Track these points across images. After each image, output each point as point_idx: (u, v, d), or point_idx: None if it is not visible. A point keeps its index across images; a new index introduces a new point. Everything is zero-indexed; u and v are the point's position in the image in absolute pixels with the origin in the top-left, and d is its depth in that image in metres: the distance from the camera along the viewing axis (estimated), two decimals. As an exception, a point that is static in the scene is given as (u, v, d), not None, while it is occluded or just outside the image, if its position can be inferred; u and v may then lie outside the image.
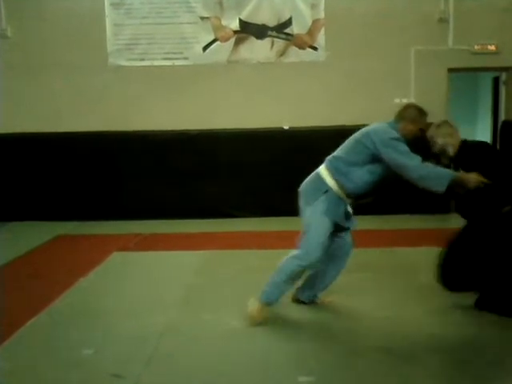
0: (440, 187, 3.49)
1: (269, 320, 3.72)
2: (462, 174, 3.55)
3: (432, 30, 7.39)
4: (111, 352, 3.33)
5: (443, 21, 7.37)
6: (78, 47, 7.56)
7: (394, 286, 4.45)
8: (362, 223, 6.84)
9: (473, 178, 3.48)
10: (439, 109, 7.43)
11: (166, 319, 3.82)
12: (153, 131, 7.58)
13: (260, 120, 7.53)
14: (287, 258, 3.74)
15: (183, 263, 5.34)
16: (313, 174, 3.91)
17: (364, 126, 7.34)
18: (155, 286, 4.61)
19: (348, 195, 3.73)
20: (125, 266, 5.30)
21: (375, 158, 3.64)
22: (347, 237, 3.92)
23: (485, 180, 3.46)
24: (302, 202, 3.86)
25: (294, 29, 7.46)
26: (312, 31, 7.46)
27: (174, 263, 5.36)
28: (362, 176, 3.68)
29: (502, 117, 7.93)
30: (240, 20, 7.45)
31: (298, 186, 8.14)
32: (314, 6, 7.41)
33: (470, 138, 10.66)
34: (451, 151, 3.79)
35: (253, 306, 3.71)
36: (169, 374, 3.06)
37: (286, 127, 7.62)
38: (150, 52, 7.57)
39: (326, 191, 3.69)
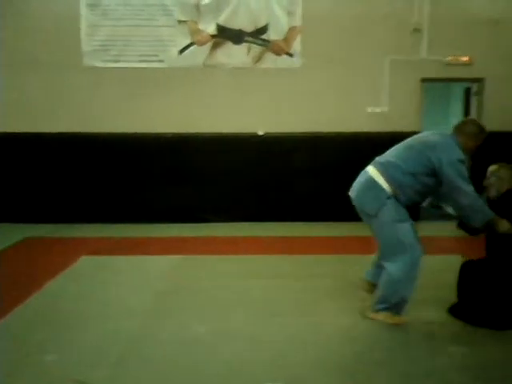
0: (478, 222, 3.63)
1: (235, 327, 3.73)
2: (497, 217, 3.64)
3: (406, 40, 7.49)
4: (75, 358, 3.29)
5: (417, 31, 7.47)
6: (53, 46, 7.46)
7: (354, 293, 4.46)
8: (331, 230, 7.01)
9: (506, 224, 3.62)
10: (412, 118, 7.57)
11: (133, 325, 3.79)
12: (127, 134, 7.52)
13: (235, 125, 7.54)
14: (391, 276, 3.72)
15: (153, 268, 5.31)
16: (364, 179, 3.83)
17: (339, 133, 7.54)
18: (123, 291, 4.57)
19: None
20: (93, 271, 5.23)
21: (433, 173, 3.65)
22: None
23: None
24: (363, 214, 3.84)
25: (271, 35, 7.49)
26: (288, 38, 7.50)
27: (143, 268, 5.32)
28: (415, 187, 3.69)
29: (473, 127, 8.03)
30: (217, 25, 7.45)
31: (272, 190, 8.23)
32: (290, 14, 7.46)
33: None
34: (492, 193, 3.92)
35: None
36: (134, 381, 3.04)
37: (261, 133, 7.64)
38: (126, 54, 7.51)
39: (389, 197, 3.67)
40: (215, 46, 7.52)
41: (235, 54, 7.52)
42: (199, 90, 7.62)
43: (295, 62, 7.56)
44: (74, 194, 7.58)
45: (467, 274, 3.90)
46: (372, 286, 4.06)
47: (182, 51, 7.51)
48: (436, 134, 3.84)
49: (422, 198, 3.85)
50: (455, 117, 9.92)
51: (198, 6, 7.40)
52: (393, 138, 7.40)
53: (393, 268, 3.71)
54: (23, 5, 7.45)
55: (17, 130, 7.46)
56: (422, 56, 7.50)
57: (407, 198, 3.71)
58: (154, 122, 7.54)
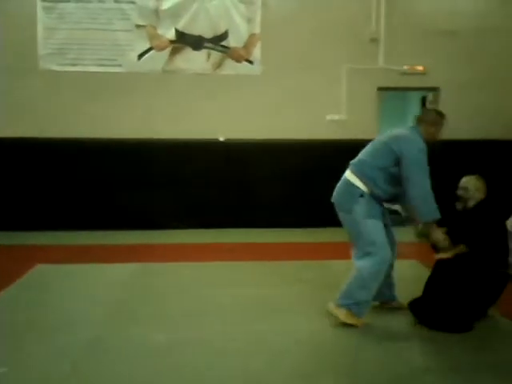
0: (425, 217, 3.76)
1: (196, 336, 3.69)
2: (434, 226, 3.80)
3: (364, 50, 7.62)
4: (27, 369, 3.19)
5: (374, 41, 7.62)
6: (9, 50, 7.28)
7: (320, 299, 4.50)
8: (290, 236, 7.04)
9: (439, 235, 3.81)
10: (370, 126, 7.68)
11: (89, 335, 3.70)
12: (85, 139, 7.38)
13: (196, 131, 7.51)
14: (361, 268, 3.81)
15: (112, 276, 5.21)
16: (341, 182, 4.01)
17: (298, 140, 7.58)
18: (79, 301, 4.47)
19: (377, 199, 3.87)
20: (49, 279, 5.10)
21: (398, 162, 3.79)
22: (389, 233, 4.05)
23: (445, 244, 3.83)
24: (340, 213, 3.99)
25: (231, 42, 7.50)
26: (248, 45, 7.53)
27: (102, 276, 5.22)
28: (386, 179, 3.83)
29: (429, 135, 8.22)
30: (176, 30, 7.41)
31: (234, 197, 8.23)
32: (250, 21, 7.49)
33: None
34: (471, 204, 4.02)
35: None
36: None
37: (221, 139, 7.63)
38: (83, 58, 7.39)
39: (362, 195, 3.82)
40: (174, 52, 7.48)
41: (195, 60, 7.50)
42: (159, 95, 7.55)
43: (255, 68, 7.59)
44: (29, 200, 7.39)
45: (439, 272, 3.96)
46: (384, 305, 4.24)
47: (140, 56, 7.44)
48: (400, 128, 4.06)
49: (398, 188, 3.91)
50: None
51: (156, 11, 7.36)
52: (351, 146, 7.52)
53: (362, 265, 3.82)
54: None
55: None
56: (379, 65, 7.64)
57: (383, 191, 3.86)
58: (112, 128, 7.43)
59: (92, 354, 3.43)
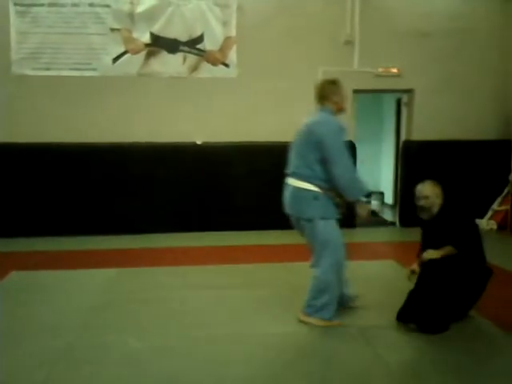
0: (353, 195, 3.80)
1: (173, 343, 3.68)
2: (362, 203, 3.89)
3: (339, 52, 7.69)
4: (1, 378, 3.14)
5: (349, 43, 7.69)
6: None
7: (292, 302, 4.51)
8: (267, 238, 7.05)
9: (366, 208, 3.94)
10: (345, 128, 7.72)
11: (64, 343, 3.66)
12: (60, 143, 7.32)
13: (172, 134, 7.50)
14: (321, 273, 3.84)
15: (88, 282, 5.16)
16: (289, 191, 3.95)
17: (275, 142, 7.60)
18: (55, 308, 4.41)
19: (331, 198, 3.84)
20: (24, 286, 5.02)
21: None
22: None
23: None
24: (297, 222, 3.95)
25: (206, 45, 7.50)
26: (224, 48, 7.54)
27: (77, 283, 5.16)
28: (325, 170, 3.77)
29: (404, 137, 8.33)
30: (151, 33, 7.39)
31: (210, 200, 8.18)
32: (225, 24, 7.50)
33: (375, 157, 11.17)
34: (435, 210, 4.03)
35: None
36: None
37: (198, 142, 7.62)
38: (57, 62, 7.32)
39: (316, 197, 3.79)
40: (150, 55, 7.46)
41: (170, 64, 7.48)
42: (134, 98, 7.52)
43: (231, 72, 7.60)
44: (5, 206, 7.28)
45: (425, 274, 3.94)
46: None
47: (115, 60, 7.40)
48: (312, 119, 3.95)
49: None
50: (389, 126, 10.26)
51: (131, 15, 7.33)
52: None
53: (319, 271, 3.87)
54: None
55: None
56: (354, 67, 7.71)
57: (325, 182, 3.80)
58: (88, 132, 7.38)
59: (66, 361, 3.39)
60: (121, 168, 7.45)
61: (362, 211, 3.90)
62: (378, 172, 10.80)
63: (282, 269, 5.58)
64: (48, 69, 7.33)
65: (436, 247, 3.92)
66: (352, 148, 7.74)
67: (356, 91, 7.85)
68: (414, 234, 7.28)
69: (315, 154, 3.77)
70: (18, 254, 6.34)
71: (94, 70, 7.40)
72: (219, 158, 7.59)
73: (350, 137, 7.72)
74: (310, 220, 3.84)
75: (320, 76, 7.64)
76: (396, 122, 9.41)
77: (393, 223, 8.46)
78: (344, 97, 3.98)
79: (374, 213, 8.82)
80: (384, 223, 8.56)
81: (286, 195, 4.00)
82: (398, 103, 9.02)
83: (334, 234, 3.86)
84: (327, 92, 3.93)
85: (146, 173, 7.46)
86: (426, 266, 3.91)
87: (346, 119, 7.77)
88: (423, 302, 3.79)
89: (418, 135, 8.02)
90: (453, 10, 7.90)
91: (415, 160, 7.97)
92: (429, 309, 3.77)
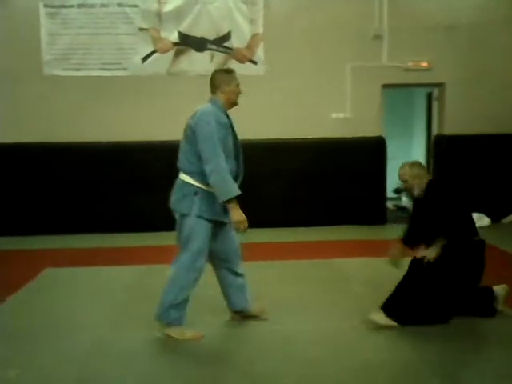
0: (222, 196, 3.45)
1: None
2: (234, 206, 3.50)
3: (367, 47, 7.61)
4: (37, 372, 3.21)
5: (378, 38, 7.60)
6: (14, 56, 7.36)
7: (328, 298, 4.49)
8: (296, 235, 7.04)
9: (238, 215, 3.51)
10: (374, 123, 7.68)
11: (96, 337, 3.72)
12: (90, 142, 7.43)
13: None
14: (174, 273, 3.60)
15: (117, 278, 5.22)
16: (175, 185, 3.70)
17: (304, 139, 7.58)
18: (86, 303, 4.49)
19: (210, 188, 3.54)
20: (57, 283, 5.13)
21: None
22: (231, 234, 3.79)
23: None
24: (177, 216, 3.65)
25: (234, 43, 7.51)
26: (251, 45, 7.54)
27: (107, 279, 5.23)
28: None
29: (435, 131, 8.21)
30: (179, 32, 7.44)
31: (245, 198, 8.16)
32: (252, 21, 7.50)
33: (405, 152, 11.03)
34: (416, 192, 3.94)
35: None
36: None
37: (226, 140, 7.62)
38: (87, 62, 7.44)
39: (196, 192, 3.53)
40: (178, 54, 7.50)
41: (198, 62, 7.51)
42: (163, 97, 7.58)
43: (259, 69, 7.60)
44: (36, 205, 7.44)
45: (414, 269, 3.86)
46: (235, 314, 3.97)
47: (144, 59, 7.47)
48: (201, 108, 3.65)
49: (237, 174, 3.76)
50: (419, 121, 10.12)
51: (159, 14, 7.39)
52: (356, 143, 7.60)
53: (174, 270, 3.61)
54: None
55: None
56: (383, 62, 7.62)
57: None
58: (117, 131, 7.46)
59: (99, 356, 3.44)
60: (150, 166, 7.51)
61: (233, 216, 3.49)
62: (409, 168, 10.64)
63: (314, 266, 5.55)
64: (78, 69, 7.45)
65: (422, 228, 3.91)
66: (382, 144, 7.67)
67: (385, 86, 7.76)
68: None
69: (192, 147, 3.53)
70: (51, 251, 6.46)
71: (124, 69, 7.49)
72: (247, 155, 7.54)
73: (379, 133, 7.70)
74: (183, 215, 3.56)
75: (348, 72, 7.61)
76: (427, 117, 9.25)
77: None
78: (236, 90, 3.70)
79: (404, 209, 8.71)
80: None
81: (173, 188, 3.71)
82: (429, 97, 8.87)
83: (200, 238, 3.53)
84: (218, 81, 3.66)
85: (173, 171, 7.48)
86: (415, 261, 3.84)
87: (375, 115, 7.75)
88: (411, 298, 3.71)
89: (449, 130, 7.88)
90: (481, 1, 7.73)
91: (447, 155, 7.84)
92: (428, 300, 3.69)
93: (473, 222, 3.90)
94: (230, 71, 3.76)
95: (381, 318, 3.75)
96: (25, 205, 7.43)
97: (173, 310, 3.60)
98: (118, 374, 3.20)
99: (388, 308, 3.78)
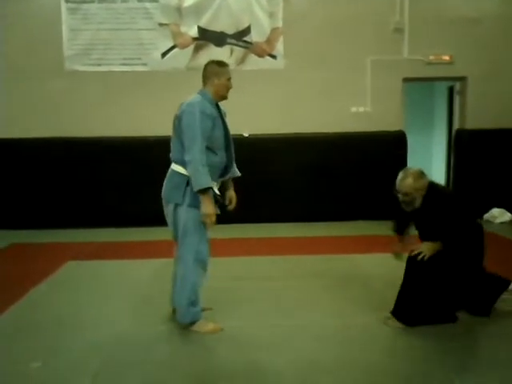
0: (195, 186, 3.43)
1: (225, 332, 3.72)
2: (206, 198, 3.46)
3: (388, 40, 7.55)
4: (59, 365, 3.25)
5: (398, 31, 7.53)
6: (35, 52, 7.45)
7: (346, 293, 4.48)
8: (315, 230, 7.02)
9: (209, 208, 3.45)
10: (395, 117, 7.61)
11: (117, 330, 3.75)
12: (110, 137, 7.49)
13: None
14: (181, 270, 3.63)
15: (138, 272, 5.27)
16: (167, 175, 3.72)
17: (322, 133, 7.55)
18: (108, 296, 4.53)
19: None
20: (79, 276, 5.19)
21: None
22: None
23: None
24: (169, 208, 3.66)
25: (253, 37, 7.50)
26: (271, 39, 7.52)
27: (129, 272, 5.28)
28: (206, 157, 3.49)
29: (456, 126, 8.11)
30: (199, 27, 7.45)
31: (257, 192, 8.21)
32: (272, 15, 7.48)
33: (426, 147, 10.90)
34: (418, 203, 3.65)
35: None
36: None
37: (246, 134, 7.63)
38: (108, 58, 7.50)
39: (188, 182, 3.52)
40: (197, 49, 7.52)
41: (218, 57, 7.36)
42: (183, 92, 7.48)
43: (278, 63, 7.58)
44: (57, 198, 7.53)
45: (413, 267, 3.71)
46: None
47: (164, 54, 7.50)
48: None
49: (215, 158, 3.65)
50: (440, 115, 10.00)
51: (179, 9, 7.41)
52: (376, 138, 7.55)
53: (181, 268, 3.64)
54: (3, 11, 7.40)
55: (-2, 136, 7.42)
56: (404, 56, 7.55)
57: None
58: (137, 126, 7.51)
59: (120, 349, 3.48)
60: (168, 161, 7.53)
61: (203, 208, 3.46)
62: (430, 162, 10.55)
63: (333, 261, 5.54)
64: (99, 64, 7.51)
65: (426, 232, 3.72)
66: (402, 138, 7.60)
67: (406, 80, 7.69)
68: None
69: (180, 137, 3.56)
70: (73, 245, 6.53)
71: (144, 64, 7.53)
72: (267, 149, 7.58)
73: (400, 127, 7.63)
74: (176, 205, 3.58)
75: (368, 65, 7.55)
76: (448, 111, 9.15)
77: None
78: (227, 83, 3.67)
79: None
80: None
81: (165, 178, 3.73)
82: (450, 91, 8.76)
83: (197, 227, 3.55)
84: (209, 72, 3.67)
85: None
86: (412, 260, 3.67)
87: (396, 109, 7.68)
88: (413, 299, 3.62)
89: (471, 124, 7.78)
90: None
91: (468, 150, 7.75)
92: (420, 304, 3.60)
93: (476, 227, 3.77)
94: (222, 64, 3.74)
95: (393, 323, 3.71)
96: (47, 198, 7.53)
97: (191, 308, 3.64)
98: (140, 366, 3.23)
99: (397, 312, 3.72)
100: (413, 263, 3.65)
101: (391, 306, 3.81)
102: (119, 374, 3.15)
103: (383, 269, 5.02)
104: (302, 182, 7.56)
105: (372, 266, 5.25)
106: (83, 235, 7.00)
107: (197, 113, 3.48)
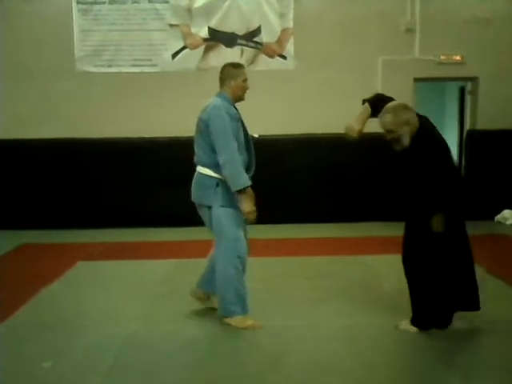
0: (235, 186, 3.57)
1: (234, 331, 3.71)
2: (246, 196, 3.58)
3: (399, 40, 7.50)
4: (70, 364, 3.27)
5: (410, 31, 7.48)
6: (46, 52, 7.48)
7: (358, 294, 4.46)
8: (327, 231, 7.00)
9: (249, 206, 3.58)
10: (406, 118, 7.54)
11: (128, 330, 3.77)
12: (120, 138, 7.50)
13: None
14: (219, 267, 3.71)
15: (149, 272, 5.28)
16: (195, 178, 3.86)
17: (333, 134, 7.52)
18: (118, 296, 4.55)
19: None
20: (89, 276, 5.22)
21: None
22: (244, 224, 3.88)
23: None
24: (202, 211, 3.82)
25: (263, 37, 7.49)
26: (281, 40, 7.51)
27: (139, 272, 5.30)
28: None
29: (468, 126, 8.05)
30: (209, 28, 7.45)
31: (268, 193, 8.17)
32: (282, 15, 7.46)
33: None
34: (406, 141, 3.40)
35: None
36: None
37: (256, 135, 7.62)
38: (118, 58, 7.51)
39: (217, 184, 3.66)
40: (208, 50, 7.52)
41: (228, 57, 7.45)
42: (193, 93, 7.58)
43: (288, 64, 7.56)
44: (69, 199, 7.56)
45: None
46: (204, 295, 4.07)
47: (175, 55, 7.51)
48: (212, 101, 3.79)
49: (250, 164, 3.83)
50: (451, 115, 9.93)
51: (189, 10, 7.41)
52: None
53: (218, 267, 3.72)
54: (15, 11, 7.44)
55: (10, 137, 7.44)
56: (415, 56, 7.51)
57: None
58: (148, 127, 7.52)
59: (131, 349, 3.49)
60: (180, 162, 7.53)
61: (244, 207, 3.60)
62: (440, 163, 10.49)
63: (343, 262, 5.54)
64: (110, 65, 7.53)
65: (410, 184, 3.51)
66: (413, 139, 7.55)
67: (417, 80, 7.64)
68: (479, 227, 7.09)
69: (207, 140, 3.66)
70: (84, 245, 6.55)
71: (154, 65, 7.54)
72: (278, 150, 7.57)
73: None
74: (209, 207, 3.71)
75: (379, 65, 7.52)
76: (459, 112, 9.09)
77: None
78: (243, 85, 3.80)
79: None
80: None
81: (193, 182, 3.88)
82: (462, 92, 8.70)
83: (231, 225, 3.67)
84: (225, 75, 3.79)
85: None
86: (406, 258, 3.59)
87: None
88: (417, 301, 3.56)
89: (483, 125, 7.73)
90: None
91: (480, 150, 7.69)
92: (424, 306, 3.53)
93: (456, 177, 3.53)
94: (237, 65, 3.87)
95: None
96: (57, 199, 7.56)
97: (234, 305, 3.72)
98: (150, 366, 3.23)
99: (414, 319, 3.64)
100: (408, 262, 3.60)
101: (402, 308, 3.79)
102: (131, 373, 3.16)
103: (395, 270, 4.97)
104: (313, 182, 7.54)
105: (384, 267, 5.23)
106: (93, 235, 7.02)
107: (225, 115, 3.61)
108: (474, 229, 7.00)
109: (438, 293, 3.49)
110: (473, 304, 3.61)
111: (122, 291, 4.70)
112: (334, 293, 4.50)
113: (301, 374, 3.09)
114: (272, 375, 3.09)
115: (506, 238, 6.66)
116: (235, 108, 3.83)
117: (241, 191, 3.57)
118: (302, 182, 7.54)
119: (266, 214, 7.64)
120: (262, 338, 3.61)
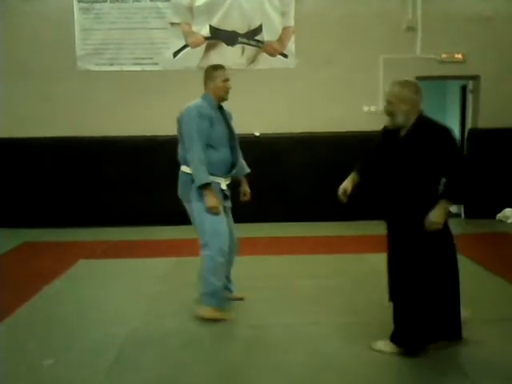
0: (197, 182, 3.70)
1: (238, 330, 3.71)
2: (208, 192, 3.71)
3: (400, 39, 7.50)
4: (72, 362, 3.28)
5: (411, 30, 7.48)
6: (47, 51, 7.49)
7: (359, 292, 4.46)
8: (327, 229, 7.01)
9: (212, 201, 3.70)
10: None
11: (129, 328, 3.78)
12: (122, 137, 7.52)
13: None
14: (202, 260, 3.85)
15: (149, 270, 5.30)
16: (179, 176, 3.97)
17: (333, 133, 7.53)
18: (120, 294, 4.57)
19: (216, 186, 3.82)
20: (90, 274, 5.23)
21: None
22: (229, 219, 4.05)
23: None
24: (187, 206, 3.96)
25: (265, 36, 7.49)
26: (282, 38, 7.50)
27: (140, 271, 5.31)
28: (208, 154, 3.76)
29: (469, 125, 8.05)
30: (210, 26, 7.45)
31: (268, 191, 8.21)
32: (284, 14, 7.46)
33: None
34: (399, 120, 3.21)
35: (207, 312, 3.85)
36: (128, 385, 3.03)
37: (257, 133, 7.63)
38: (120, 57, 7.52)
39: (193, 179, 3.76)
40: (209, 48, 7.52)
41: (229, 56, 7.51)
42: (194, 91, 7.55)
43: (290, 62, 7.57)
44: (70, 197, 7.58)
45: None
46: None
47: (176, 54, 7.51)
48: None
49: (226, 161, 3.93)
50: (453, 114, 9.93)
51: (190, 8, 7.41)
52: (388, 137, 7.49)
53: (202, 258, 3.84)
54: (16, 11, 7.45)
55: (12, 136, 7.46)
56: (416, 54, 7.51)
57: (210, 169, 3.77)
58: (149, 125, 7.53)
59: (131, 347, 3.50)
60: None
61: (206, 202, 3.72)
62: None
63: (343, 260, 5.55)
64: (111, 64, 7.54)
65: (395, 173, 3.31)
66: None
67: (418, 78, 7.59)
68: (480, 225, 7.10)
69: (183, 139, 3.81)
70: (85, 243, 6.57)
71: (155, 64, 7.55)
72: (278, 149, 7.57)
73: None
74: (189, 202, 3.85)
75: (381, 64, 7.51)
76: (461, 110, 9.08)
77: (458, 215, 8.19)
78: (223, 85, 3.90)
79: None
80: (448, 214, 8.29)
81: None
82: (463, 90, 8.69)
83: (209, 218, 3.77)
84: (206, 77, 3.95)
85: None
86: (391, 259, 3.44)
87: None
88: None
89: (484, 123, 7.72)
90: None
91: (481, 149, 7.68)
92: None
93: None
94: (217, 67, 3.96)
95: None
96: (59, 197, 7.58)
97: (208, 296, 3.83)
98: (152, 363, 3.25)
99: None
100: (393, 262, 3.51)
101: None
102: (132, 370, 3.17)
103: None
104: (313, 181, 7.54)
105: (384, 265, 5.21)
106: (94, 234, 7.04)
107: (193, 114, 3.74)
108: (475, 227, 7.08)
109: (420, 310, 3.21)
110: (455, 333, 3.32)
111: (123, 289, 4.72)
112: (335, 291, 4.51)
113: (301, 372, 3.09)
114: (272, 372, 3.10)
115: (507, 237, 6.66)
116: (220, 108, 3.97)
117: (202, 187, 3.69)
118: (302, 180, 7.55)
119: (266, 212, 7.72)
120: (261, 336, 3.61)
